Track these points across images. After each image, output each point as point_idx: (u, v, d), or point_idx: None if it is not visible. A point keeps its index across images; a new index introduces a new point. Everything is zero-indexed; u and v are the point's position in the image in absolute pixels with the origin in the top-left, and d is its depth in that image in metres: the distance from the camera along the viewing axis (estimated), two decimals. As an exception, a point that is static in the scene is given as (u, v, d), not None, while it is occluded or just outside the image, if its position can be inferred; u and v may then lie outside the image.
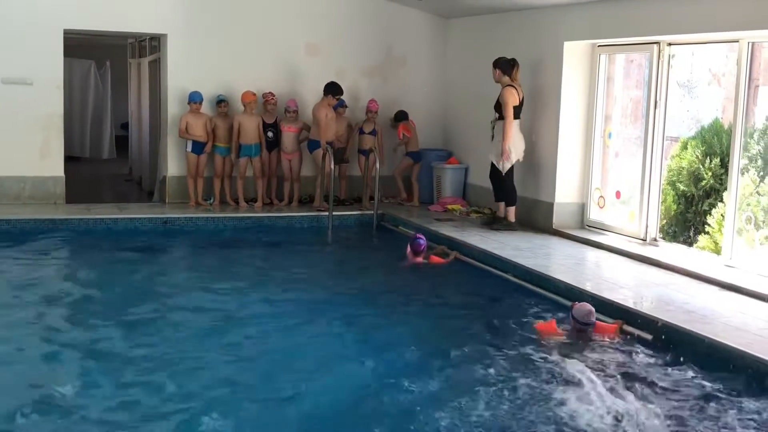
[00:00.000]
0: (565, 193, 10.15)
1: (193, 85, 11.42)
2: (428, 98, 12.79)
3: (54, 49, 11.11)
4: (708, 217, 9.01)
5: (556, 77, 10.07)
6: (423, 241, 9.12)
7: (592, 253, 9.10)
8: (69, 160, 12.37)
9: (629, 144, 9.79)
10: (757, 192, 8.14)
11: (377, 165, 10.98)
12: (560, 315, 7.00)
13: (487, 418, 5.04)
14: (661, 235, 9.26)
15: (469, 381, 5.61)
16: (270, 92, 11.60)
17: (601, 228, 9.87)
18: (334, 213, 10.99)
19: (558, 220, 10.10)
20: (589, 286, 7.47)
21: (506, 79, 10.03)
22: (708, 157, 9.21)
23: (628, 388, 5.51)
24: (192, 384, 5.56)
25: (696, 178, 9.30)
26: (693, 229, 9.29)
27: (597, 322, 6.64)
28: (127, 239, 9.97)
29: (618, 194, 9.85)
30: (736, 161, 8.06)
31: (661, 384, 5.62)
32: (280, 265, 9.18)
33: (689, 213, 9.37)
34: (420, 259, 9.02)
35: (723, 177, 8.83)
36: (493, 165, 10.19)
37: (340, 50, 12.29)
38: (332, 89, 11.37)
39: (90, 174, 15.12)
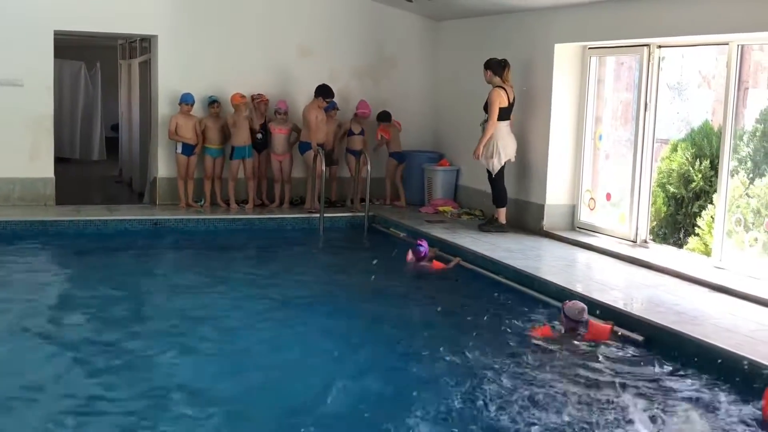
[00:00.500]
0: (555, 194, 10.17)
1: (184, 86, 11.40)
2: (419, 100, 12.80)
3: (44, 50, 11.07)
4: (698, 218, 9.04)
5: (546, 80, 10.10)
6: (424, 247, 9.01)
7: (582, 255, 9.12)
8: (59, 161, 12.32)
9: (620, 146, 9.82)
10: (747, 194, 8.18)
11: (368, 167, 10.98)
12: (552, 317, 7.00)
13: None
14: (651, 237, 9.29)
15: (455, 382, 5.61)
16: (260, 94, 11.61)
17: (592, 230, 9.89)
18: (325, 215, 10.99)
19: (548, 221, 10.12)
20: (579, 288, 7.49)
21: (497, 80, 10.05)
22: (698, 159, 9.25)
23: (619, 389, 5.53)
24: (192, 384, 5.57)
25: (686, 180, 9.34)
26: (683, 230, 9.32)
27: (590, 321, 6.65)
28: (117, 241, 9.93)
29: (608, 196, 9.88)
30: (726, 163, 8.09)
31: (650, 385, 5.63)
32: (269, 267, 9.17)
33: (679, 215, 9.41)
34: (422, 264, 8.91)
35: (713, 179, 8.87)
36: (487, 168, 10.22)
37: (331, 52, 12.29)
38: (323, 92, 11.36)
39: (80, 175, 15.06)
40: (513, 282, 8.13)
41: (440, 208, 11.67)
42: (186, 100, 11.24)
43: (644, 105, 9.13)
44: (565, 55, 10.02)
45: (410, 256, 9.02)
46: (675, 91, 9.69)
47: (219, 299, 7.70)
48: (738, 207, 8.17)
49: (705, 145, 9.23)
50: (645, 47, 9.03)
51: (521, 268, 8.24)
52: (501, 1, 10.36)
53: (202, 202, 11.51)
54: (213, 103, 11.41)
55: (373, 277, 8.38)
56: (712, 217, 8.54)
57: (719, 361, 5.80)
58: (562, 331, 6.65)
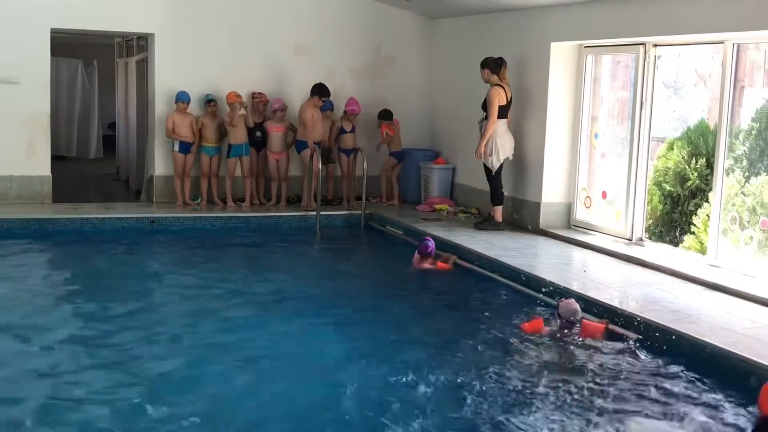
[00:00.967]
0: (551, 193, 10.19)
1: (181, 84, 11.40)
2: (415, 98, 12.82)
3: (41, 48, 11.08)
4: (693, 217, 9.07)
5: (542, 78, 10.11)
6: (431, 243, 8.90)
7: (578, 253, 9.13)
8: (56, 159, 12.33)
9: (615, 144, 9.84)
10: (742, 192, 8.20)
11: (365, 165, 10.99)
12: (546, 314, 7.03)
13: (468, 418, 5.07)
14: (647, 235, 9.31)
15: (451, 380, 5.63)
16: (260, 93, 11.63)
17: (588, 228, 9.91)
18: (321, 213, 11.00)
19: (545, 220, 10.14)
20: (575, 286, 7.51)
21: (495, 78, 10.06)
22: (694, 158, 9.28)
23: (613, 386, 5.55)
24: (184, 382, 5.59)
25: (682, 178, 9.36)
26: (679, 229, 9.35)
27: (584, 320, 6.67)
28: (114, 239, 9.94)
29: (604, 194, 9.90)
30: (722, 162, 8.11)
31: (645, 383, 5.65)
32: (265, 265, 9.17)
33: (675, 213, 9.44)
34: (427, 265, 8.83)
35: (708, 177, 8.89)
36: (486, 166, 10.22)
37: (327, 50, 12.30)
38: (319, 90, 11.37)
39: (77, 173, 15.05)
40: (509, 280, 8.15)
41: (436, 207, 11.68)
42: (182, 99, 11.24)
43: (640, 103, 9.15)
44: (561, 54, 10.03)
45: (416, 255, 8.91)
46: (671, 90, 9.70)
47: (214, 297, 7.70)
48: (733, 205, 8.19)
49: (701, 144, 9.26)
50: (641, 46, 9.05)
51: (517, 266, 8.26)
52: (497, -1, 10.39)
53: (199, 201, 11.52)
54: (210, 101, 11.42)
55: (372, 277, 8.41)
56: (707, 215, 8.56)
57: (714, 358, 5.82)
58: (556, 329, 6.67)
